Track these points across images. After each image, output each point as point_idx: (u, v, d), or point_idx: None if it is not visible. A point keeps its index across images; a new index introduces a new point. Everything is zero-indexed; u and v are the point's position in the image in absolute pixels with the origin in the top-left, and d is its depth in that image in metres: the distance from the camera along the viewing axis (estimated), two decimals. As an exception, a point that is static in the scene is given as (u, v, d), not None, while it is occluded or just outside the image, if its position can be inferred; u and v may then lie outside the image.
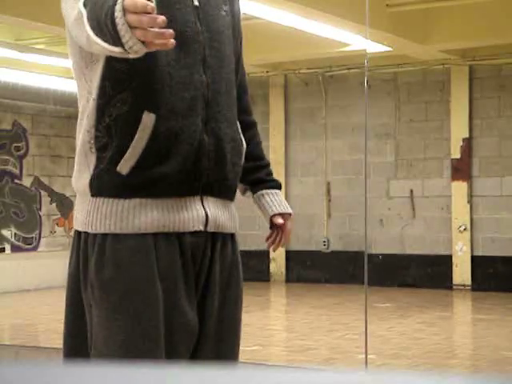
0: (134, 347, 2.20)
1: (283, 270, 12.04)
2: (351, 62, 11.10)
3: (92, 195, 2.31)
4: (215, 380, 0.75)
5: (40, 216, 11.59)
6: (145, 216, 2.25)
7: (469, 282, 10.86)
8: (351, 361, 6.18)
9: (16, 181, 11.39)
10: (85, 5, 2.11)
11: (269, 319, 9.04)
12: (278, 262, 12.05)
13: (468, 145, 10.95)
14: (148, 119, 2.25)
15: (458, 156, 10.97)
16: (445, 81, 11.12)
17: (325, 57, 10.94)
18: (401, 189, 11.39)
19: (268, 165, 2.68)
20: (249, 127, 2.61)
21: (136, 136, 2.25)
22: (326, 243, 11.80)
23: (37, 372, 0.76)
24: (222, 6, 2.47)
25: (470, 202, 10.91)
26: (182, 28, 2.30)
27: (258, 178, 2.62)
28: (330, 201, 11.82)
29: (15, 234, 11.34)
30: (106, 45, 2.05)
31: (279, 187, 2.66)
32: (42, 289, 11.17)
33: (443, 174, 11.16)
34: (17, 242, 11.34)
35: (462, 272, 10.92)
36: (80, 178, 2.35)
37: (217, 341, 2.37)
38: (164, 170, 2.26)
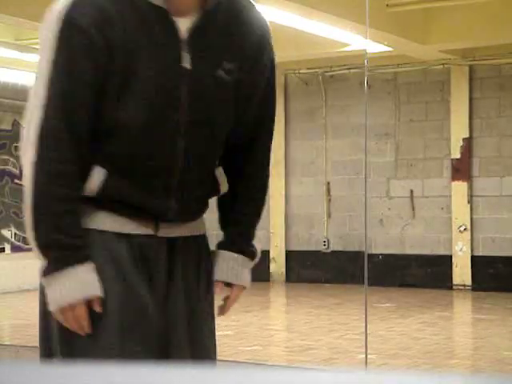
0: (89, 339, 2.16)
1: (283, 270, 12.03)
2: (351, 62, 11.10)
3: None
4: (215, 380, 0.75)
5: (40, 216, 11.57)
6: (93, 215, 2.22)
7: (469, 282, 10.86)
8: (351, 361, 6.18)
9: (16, 181, 11.39)
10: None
11: (269, 319, 9.04)
12: (278, 261, 12.04)
13: (468, 145, 10.94)
14: (98, 177, 2.19)
15: (457, 156, 10.97)
16: (445, 81, 11.11)
17: (325, 57, 10.94)
18: (401, 189, 11.39)
19: (247, 224, 2.42)
20: (246, 178, 2.38)
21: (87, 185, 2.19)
22: (326, 243, 11.79)
23: (36, 372, 0.76)
24: (223, 64, 2.18)
25: (470, 202, 10.90)
26: (157, 96, 2.14)
27: (228, 234, 2.40)
28: (330, 201, 11.81)
29: (15, 234, 11.34)
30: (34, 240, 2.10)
31: (246, 252, 2.43)
32: (42, 289, 11.15)
33: (443, 174, 11.15)
34: (17, 242, 11.34)
35: (462, 272, 10.92)
36: None
37: (190, 341, 2.28)
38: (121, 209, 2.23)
